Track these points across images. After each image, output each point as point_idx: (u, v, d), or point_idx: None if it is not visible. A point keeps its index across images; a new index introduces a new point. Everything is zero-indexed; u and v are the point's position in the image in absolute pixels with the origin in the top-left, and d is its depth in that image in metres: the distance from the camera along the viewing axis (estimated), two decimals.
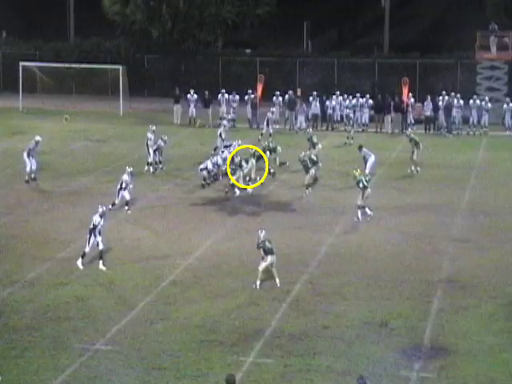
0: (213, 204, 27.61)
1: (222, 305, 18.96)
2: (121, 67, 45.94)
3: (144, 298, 19.20)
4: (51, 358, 16.15)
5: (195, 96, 42.95)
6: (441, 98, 41.38)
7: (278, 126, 42.20)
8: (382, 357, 16.48)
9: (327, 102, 42.38)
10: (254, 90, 43.41)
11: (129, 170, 26.44)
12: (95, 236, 21.15)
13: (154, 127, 32.21)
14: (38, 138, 29.98)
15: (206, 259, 22.06)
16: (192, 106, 42.85)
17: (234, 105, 42.94)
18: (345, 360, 16.34)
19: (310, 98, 42.18)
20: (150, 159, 31.49)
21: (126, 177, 26.11)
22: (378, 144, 36.09)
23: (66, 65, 47.39)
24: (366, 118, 41.78)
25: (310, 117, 42.05)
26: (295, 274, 20.92)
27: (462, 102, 41.09)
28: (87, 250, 21.21)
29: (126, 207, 25.95)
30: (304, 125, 41.60)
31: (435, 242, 23.57)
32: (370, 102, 42.22)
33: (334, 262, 21.97)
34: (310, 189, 28.38)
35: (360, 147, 30.69)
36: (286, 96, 42.65)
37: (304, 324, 17.98)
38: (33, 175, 29.59)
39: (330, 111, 42.28)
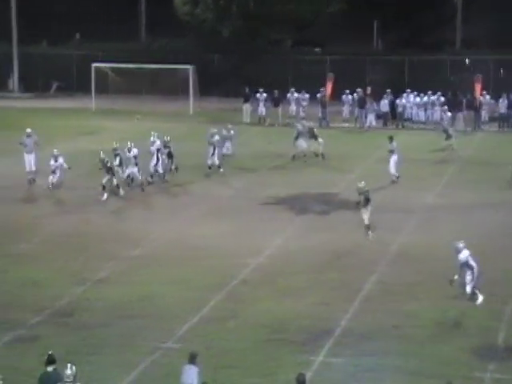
0: (282, 203, 27.57)
1: (292, 304, 18.91)
2: (191, 67, 46.26)
3: (214, 297, 19.27)
4: (123, 355, 16.32)
5: (264, 95, 43.01)
6: None
7: (347, 125, 41.99)
8: (455, 357, 16.23)
9: (397, 100, 42.01)
10: (324, 88, 43.26)
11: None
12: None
13: (230, 125, 32.87)
14: (28, 130, 29.61)
15: (276, 258, 22.03)
16: (261, 104, 42.94)
17: (304, 103, 42.88)
18: (416, 360, 16.14)
19: (384, 96, 41.87)
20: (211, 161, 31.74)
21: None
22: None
23: (137, 65, 47.91)
24: (437, 115, 41.24)
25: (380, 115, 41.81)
26: (365, 274, 20.75)
27: None
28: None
29: None
30: (374, 123, 41.32)
31: (510, 240, 23.10)
32: (442, 99, 41.67)
33: (404, 261, 21.72)
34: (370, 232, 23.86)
35: (391, 138, 30.34)
36: (355, 94, 42.45)
37: (374, 323, 17.81)
38: (30, 176, 29.23)
39: (400, 109, 41.91)
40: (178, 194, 28.59)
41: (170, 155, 30.43)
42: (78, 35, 57.32)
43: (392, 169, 29.81)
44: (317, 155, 33.05)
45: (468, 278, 18.15)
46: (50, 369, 13.26)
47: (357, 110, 42.21)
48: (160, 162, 29.68)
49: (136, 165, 28.66)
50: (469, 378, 15.48)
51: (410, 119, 41.95)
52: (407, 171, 31.75)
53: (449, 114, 38.86)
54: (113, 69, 48.99)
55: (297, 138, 33.23)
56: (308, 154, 33.21)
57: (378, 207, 26.65)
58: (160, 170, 29.77)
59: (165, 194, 28.66)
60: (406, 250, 22.65)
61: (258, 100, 43.05)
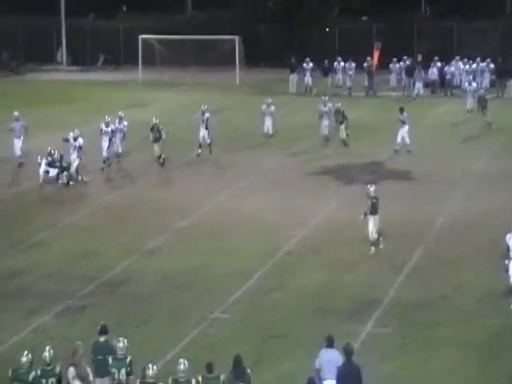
0: (328, 173, 27.44)
1: (339, 274, 18.86)
2: (237, 38, 46.09)
3: (261, 268, 19.28)
4: (171, 326, 16.44)
5: (311, 64, 42.72)
6: None
7: (395, 94, 41.55)
8: (503, 328, 16.05)
9: (446, 68, 41.42)
10: (370, 57, 42.82)
11: None
12: None
13: (270, 100, 32.03)
14: (15, 113, 28.50)
15: (322, 229, 21.97)
16: (308, 74, 42.67)
17: (350, 73, 42.52)
18: (464, 331, 16.00)
19: (432, 64, 41.31)
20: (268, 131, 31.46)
21: None
22: (499, 109, 34.96)
23: (184, 36, 47.86)
24: (486, 83, 40.56)
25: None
26: (413, 244, 20.59)
27: None
28: None
29: None
30: (422, 91, 40.83)
31: None
32: (491, 66, 40.97)
33: (452, 232, 21.50)
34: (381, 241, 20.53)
35: (401, 109, 29.73)
36: (401, 62, 42.02)
37: (422, 294, 17.69)
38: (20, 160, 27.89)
39: (448, 77, 41.32)
40: (224, 166, 28.58)
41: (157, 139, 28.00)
42: (124, 8, 57.42)
43: (399, 138, 29.34)
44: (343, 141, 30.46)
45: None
46: (102, 339, 13.37)
47: (404, 79, 41.72)
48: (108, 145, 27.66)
49: (78, 157, 26.27)
50: None
51: (458, 87, 41.31)
52: (456, 140, 31.38)
53: (474, 84, 37.35)
54: (159, 41, 49.04)
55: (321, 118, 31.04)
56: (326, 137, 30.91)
57: (424, 178, 26.46)
58: (104, 154, 27.66)
59: (211, 166, 28.68)
60: (452, 220, 22.40)
61: (304, 70, 42.77)
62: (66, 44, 54.14)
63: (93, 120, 30.18)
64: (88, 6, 54.78)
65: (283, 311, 17.04)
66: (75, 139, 26.70)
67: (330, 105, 31.33)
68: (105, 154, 27.72)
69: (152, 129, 28.44)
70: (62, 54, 54.52)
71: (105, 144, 27.79)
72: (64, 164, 25.87)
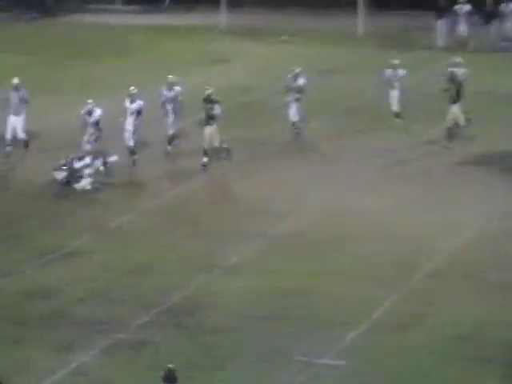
0: (485, 163, 27.38)
1: (501, 309, 18.75)
2: None
3: (388, 295, 19.30)
4: (261, 372, 16.55)
5: (467, 7, 42.33)
6: None
7: None
8: None
9: None
10: None
11: None
12: None
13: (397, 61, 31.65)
14: (15, 80, 28.42)
15: (479, 242, 21.86)
16: (462, 21, 42.33)
17: None
18: None
19: None
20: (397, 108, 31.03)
21: None
22: None
23: None
24: None
25: None
26: None
27: None
28: None
29: None
30: None
31: None
32: None
33: None
34: None
35: None
36: None
37: None
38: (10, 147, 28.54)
39: None
40: (331, 153, 28.56)
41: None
42: None
43: None
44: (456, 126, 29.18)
45: None
46: None
47: None
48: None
49: (99, 131, 27.19)
50: None
51: None
52: None
53: None
54: None
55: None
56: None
57: None
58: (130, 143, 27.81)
59: (313, 153, 28.68)
60: None
61: (457, 15, 42.46)
62: None
63: (156, 81, 30.52)
64: None
65: (421, 357, 17.00)
66: (89, 113, 27.06)
67: (464, 70, 30.13)
68: (131, 143, 27.49)
69: (205, 100, 27.59)
70: None
71: (128, 127, 27.53)
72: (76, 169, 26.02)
